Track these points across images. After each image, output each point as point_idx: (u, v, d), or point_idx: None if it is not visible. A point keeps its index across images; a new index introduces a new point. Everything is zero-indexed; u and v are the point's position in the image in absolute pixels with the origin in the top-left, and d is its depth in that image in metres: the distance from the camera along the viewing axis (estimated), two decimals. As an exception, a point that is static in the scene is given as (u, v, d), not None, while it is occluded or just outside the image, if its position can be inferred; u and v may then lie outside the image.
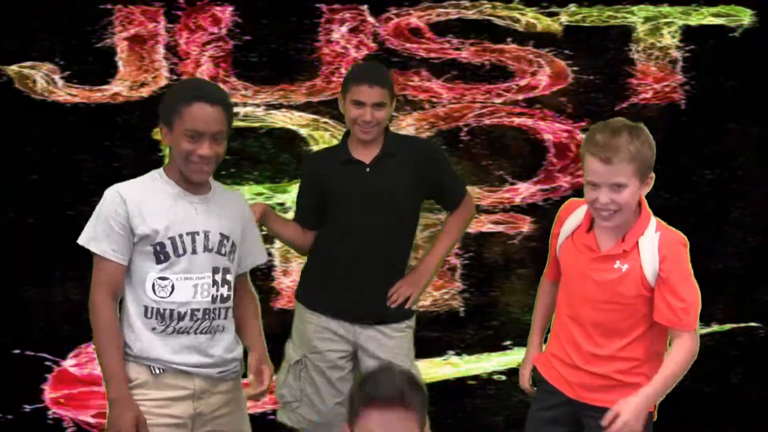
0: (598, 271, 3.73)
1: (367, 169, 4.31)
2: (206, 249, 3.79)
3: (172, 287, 3.74)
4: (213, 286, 3.80)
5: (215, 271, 3.80)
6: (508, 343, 5.81)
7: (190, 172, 3.78)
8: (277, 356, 5.72)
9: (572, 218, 3.84)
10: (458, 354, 5.76)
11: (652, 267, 3.67)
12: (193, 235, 3.77)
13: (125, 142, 7.19)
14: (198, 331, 3.78)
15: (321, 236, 4.44)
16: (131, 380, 3.73)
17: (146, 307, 3.75)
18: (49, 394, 5.44)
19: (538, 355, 4.00)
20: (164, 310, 3.74)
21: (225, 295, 3.83)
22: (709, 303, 6.08)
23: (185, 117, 3.72)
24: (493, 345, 5.82)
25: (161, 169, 3.85)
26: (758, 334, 5.88)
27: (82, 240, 3.77)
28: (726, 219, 6.73)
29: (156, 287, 3.74)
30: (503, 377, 5.54)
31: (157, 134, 7.23)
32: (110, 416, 3.68)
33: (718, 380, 5.56)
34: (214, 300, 3.80)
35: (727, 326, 5.90)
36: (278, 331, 5.92)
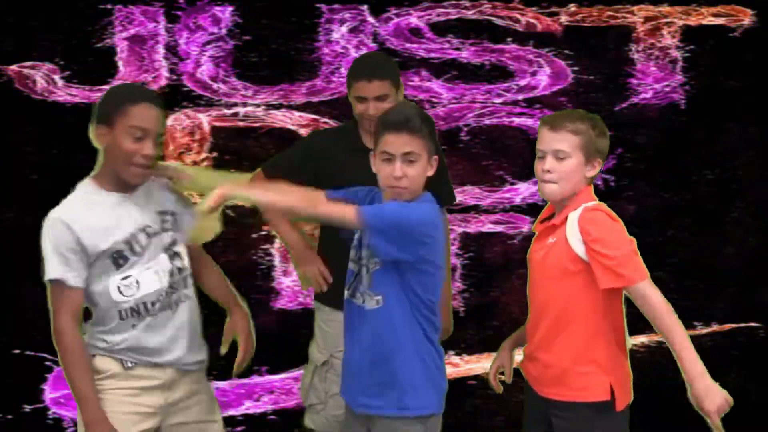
0: (538, 251, 3.83)
1: None
2: (155, 234, 3.82)
3: (137, 282, 3.78)
4: (170, 262, 3.85)
5: (166, 249, 3.85)
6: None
7: (130, 175, 3.79)
8: (276, 355, 5.73)
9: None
10: (458, 354, 5.76)
11: (575, 238, 3.70)
12: (144, 229, 3.80)
13: (125, 142, 7.19)
14: (164, 308, 3.83)
15: (332, 234, 4.41)
16: (102, 372, 3.75)
17: (120, 312, 3.76)
18: (49, 394, 5.44)
19: (522, 362, 4.03)
20: (137, 305, 3.78)
21: (180, 266, 3.89)
22: (709, 303, 6.12)
23: (132, 115, 3.74)
24: (493, 345, 5.80)
25: (90, 180, 3.86)
26: (758, 334, 5.88)
27: (50, 275, 3.72)
28: (726, 219, 6.73)
29: (122, 288, 3.76)
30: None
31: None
32: None
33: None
34: (172, 274, 3.85)
35: (727, 326, 5.90)
36: (278, 331, 5.94)
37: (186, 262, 3.92)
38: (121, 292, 3.76)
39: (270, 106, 7.54)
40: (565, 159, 3.76)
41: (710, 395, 3.58)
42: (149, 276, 3.79)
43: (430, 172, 3.73)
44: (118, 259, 3.75)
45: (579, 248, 3.69)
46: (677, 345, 3.61)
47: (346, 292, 3.80)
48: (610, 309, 3.75)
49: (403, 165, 3.65)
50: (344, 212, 3.63)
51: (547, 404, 3.84)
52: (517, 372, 4.14)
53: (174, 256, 3.87)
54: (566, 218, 3.76)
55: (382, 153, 3.68)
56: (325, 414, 4.45)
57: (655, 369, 5.49)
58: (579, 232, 3.69)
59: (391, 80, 4.32)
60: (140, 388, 3.78)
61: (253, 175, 4.56)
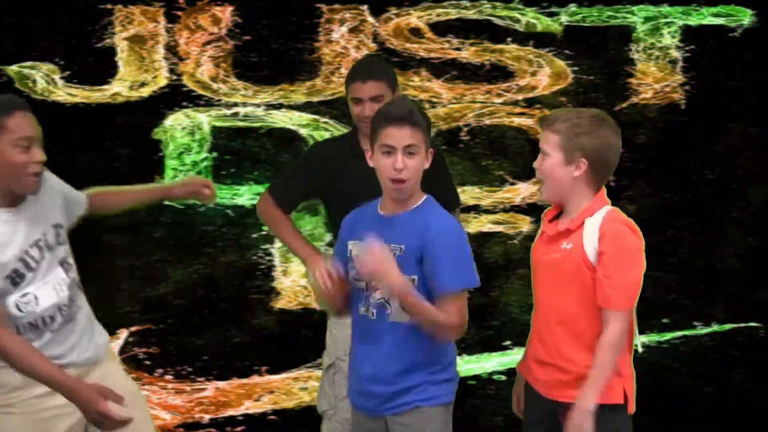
0: (549, 253, 3.78)
1: None
2: (49, 248, 3.76)
3: (36, 298, 3.71)
4: (67, 274, 3.79)
5: (61, 263, 3.79)
6: (508, 343, 5.81)
7: (23, 186, 3.71)
8: (276, 355, 5.73)
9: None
10: (458, 354, 5.76)
11: (592, 244, 3.69)
12: (36, 243, 3.72)
13: (125, 142, 7.19)
14: (66, 322, 3.77)
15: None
16: (5, 385, 3.68)
17: (17, 326, 3.68)
18: (49, 394, 5.43)
19: (521, 363, 4.02)
20: (36, 320, 3.71)
21: (72, 276, 3.83)
22: (709, 303, 6.12)
23: (12, 127, 3.66)
24: (493, 345, 5.82)
25: None
26: (758, 334, 5.88)
27: None
28: (726, 219, 6.72)
29: (20, 306, 3.68)
30: (503, 377, 5.54)
31: (157, 134, 7.26)
32: (80, 405, 3.59)
33: (718, 380, 5.56)
34: (70, 287, 3.80)
35: (727, 326, 5.90)
36: (278, 331, 5.94)
37: (75, 271, 3.85)
38: (19, 309, 3.67)
39: (270, 106, 7.54)
40: (545, 157, 3.75)
41: (583, 427, 3.67)
42: (47, 291, 3.72)
43: (427, 165, 3.74)
44: (15, 277, 3.66)
45: (593, 256, 3.69)
46: (596, 377, 3.68)
47: (361, 309, 3.77)
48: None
49: (404, 157, 3.66)
50: (456, 304, 3.72)
51: (553, 406, 3.83)
52: (513, 371, 4.14)
53: (69, 268, 3.80)
54: (582, 224, 3.74)
55: (382, 146, 3.68)
56: (337, 418, 4.42)
57: (655, 370, 5.49)
58: (597, 240, 3.69)
59: (386, 81, 4.32)
60: (47, 393, 3.68)
61: (261, 199, 4.54)
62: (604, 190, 3.80)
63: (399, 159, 3.65)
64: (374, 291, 3.72)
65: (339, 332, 4.36)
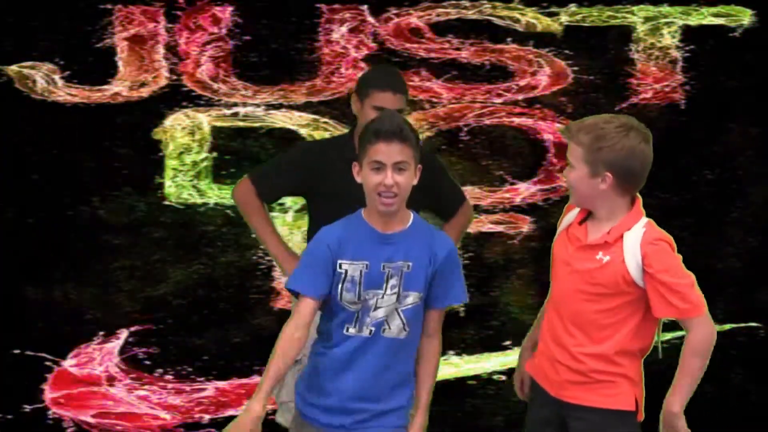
0: (580, 260, 3.75)
1: None
2: None
3: None
4: None
5: None
6: (508, 343, 5.81)
7: None
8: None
9: (570, 214, 3.88)
10: (458, 354, 5.76)
11: (634, 260, 3.69)
12: None
13: (125, 142, 7.19)
14: None
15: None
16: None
17: None
18: (49, 394, 5.43)
19: (528, 360, 4.02)
20: None
21: None
22: (709, 303, 6.10)
23: None
24: (493, 345, 5.81)
25: None
26: (758, 334, 5.88)
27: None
28: (726, 219, 6.72)
29: None
30: (503, 377, 5.54)
31: (157, 134, 7.26)
32: None
33: (718, 380, 5.55)
34: None
35: (727, 326, 5.90)
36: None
37: None
38: None
39: (270, 106, 7.54)
40: (572, 169, 3.72)
41: (674, 427, 3.72)
42: None
43: (415, 181, 3.69)
44: None
45: (636, 274, 3.69)
46: (686, 380, 3.75)
47: (350, 330, 3.71)
48: (645, 329, 3.79)
49: (394, 173, 3.64)
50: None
51: (561, 406, 3.83)
52: (513, 371, 4.14)
53: None
54: (620, 237, 3.71)
55: (372, 162, 3.62)
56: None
57: (655, 370, 5.49)
58: (641, 259, 3.68)
59: (406, 96, 4.34)
60: None
61: (239, 182, 4.53)
62: (639, 201, 3.77)
63: (389, 175, 3.60)
64: (376, 309, 3.69)
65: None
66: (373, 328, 3.69)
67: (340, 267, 3.67)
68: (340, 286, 3.67)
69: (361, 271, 3.66)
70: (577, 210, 3.84)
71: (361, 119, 4.32)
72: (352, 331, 3.70)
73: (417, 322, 3.74)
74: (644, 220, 3.75)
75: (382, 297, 3.67)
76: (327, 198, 4.31)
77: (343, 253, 3.68)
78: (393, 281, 3.67)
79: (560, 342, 3.80)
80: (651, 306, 3.70)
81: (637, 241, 3.70)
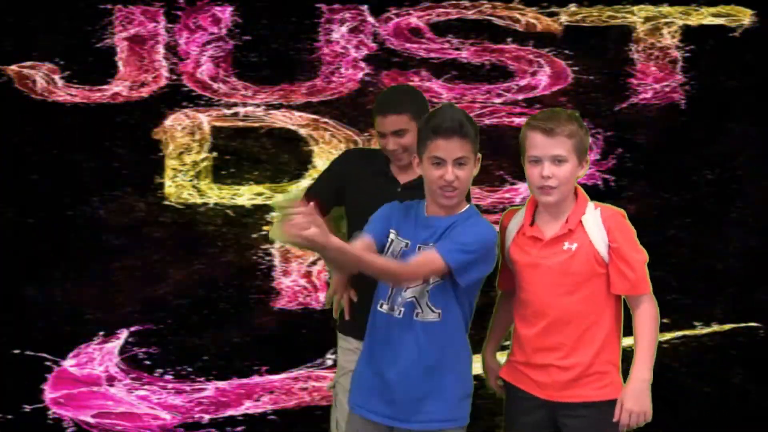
0: (549, 256, 3.78)
1: (399, 189, 4.18)
2: None
3: None
4: None
5: None
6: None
7: None
8: (276, 355, 5.73)
9: (513, 222, 3.93)
10: (458, 354, 5.75)
11: (602, 240, 3.73)
12: None
13: (125, 142, 7.19)
14: None
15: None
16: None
17: None
18: (49, 394, 5.43)
19: (503, 368, 4.03)
20: None
21: None
22: (709, 303, 6.12)
23: None
24: (493, 345, 5.81)
25: None
26: (758, 334, 5.88)
27: None
28: (726, 219, 6.72)
29: None
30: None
31: (157, 134, 7.26)
32: None
33: (718, 380, 5.56)
34: None
35: (727, 326, 5.90)
36: (278, 331, 5.94)
37: None
38: None
39: (270, 106, 7.54)
40: (563, 163, 3.76)
41: (640, 399, 3.71)
42: None
43: (476, 172, 3.80)
44: None
45: (604, 252, 3.73)
46: (645, 350, 3.73)
47: (383, 306, 3.75)
48: (618, 309, 3.82)
49: (454, 168, 3.68)
50: (430, 263, 3.63)
51: (554, 409, 3.83)
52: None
53: None
54: (578, 223, 3.75)
55: (432, 158, 3.70)
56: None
57: (655, 370, 5.49)
58: (606, 234, 3.72)
59: (410, 114, 4.19)
60: None
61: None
62: (578, 184, 3.85)
63: (449, 171, 3.69)
64: (406, 289, 3.70)
65: (339, 353, 4.33)
66: (403, 309, 3.72)
67: (389, 235, 3.77)
68: (386, 252, 3.73)
69: (401, 249, 3.73)
70: (521, 215, 3.88)
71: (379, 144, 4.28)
72: (385, 307, 3.74)
73: (448, 306, 3.77)
74: (591, 203, 3.81)
75: None
76: (348, 207, 4.28)
77: (396, 224, 3.78)
78: None
79: (545, 347, 3.81)
80: (609, 280, 3.73)
81: (597, 220, 3.75)
